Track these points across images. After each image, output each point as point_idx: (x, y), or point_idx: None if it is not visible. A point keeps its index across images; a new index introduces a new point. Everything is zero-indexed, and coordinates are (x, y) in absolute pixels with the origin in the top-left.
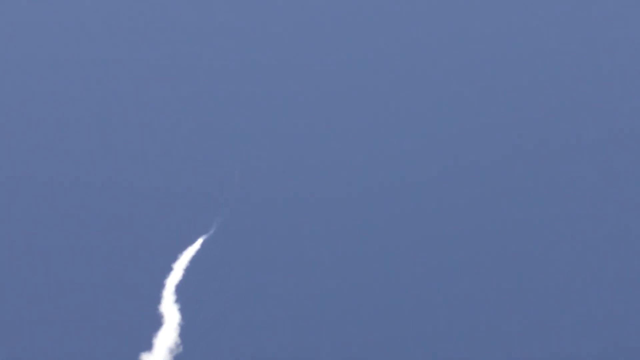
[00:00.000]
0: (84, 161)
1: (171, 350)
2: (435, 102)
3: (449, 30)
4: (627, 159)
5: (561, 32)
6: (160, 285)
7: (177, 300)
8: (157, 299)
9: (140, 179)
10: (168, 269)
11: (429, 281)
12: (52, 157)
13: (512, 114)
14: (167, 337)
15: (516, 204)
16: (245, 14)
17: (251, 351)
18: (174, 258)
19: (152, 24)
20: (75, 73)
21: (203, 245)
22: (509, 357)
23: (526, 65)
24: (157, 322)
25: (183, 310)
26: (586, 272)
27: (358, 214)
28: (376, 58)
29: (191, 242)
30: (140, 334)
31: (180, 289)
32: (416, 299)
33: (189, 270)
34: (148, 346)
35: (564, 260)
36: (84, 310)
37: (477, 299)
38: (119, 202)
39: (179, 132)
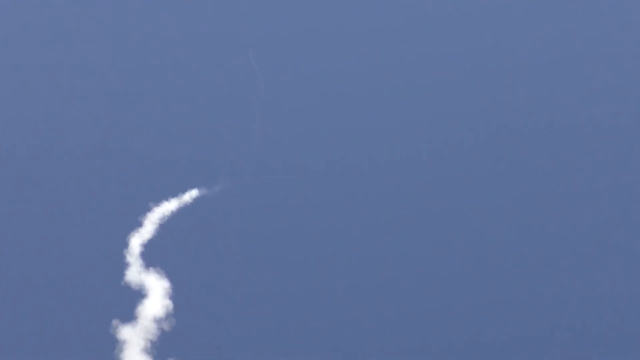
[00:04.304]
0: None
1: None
2: (423, 91)
3: (444, 28)
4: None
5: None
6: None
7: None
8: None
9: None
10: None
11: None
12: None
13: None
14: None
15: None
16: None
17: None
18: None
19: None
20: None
21: (196, 201)
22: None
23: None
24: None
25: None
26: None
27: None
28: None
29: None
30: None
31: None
32: (413, 292)
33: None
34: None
35: (560, 256)
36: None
37: (475, 296)
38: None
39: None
